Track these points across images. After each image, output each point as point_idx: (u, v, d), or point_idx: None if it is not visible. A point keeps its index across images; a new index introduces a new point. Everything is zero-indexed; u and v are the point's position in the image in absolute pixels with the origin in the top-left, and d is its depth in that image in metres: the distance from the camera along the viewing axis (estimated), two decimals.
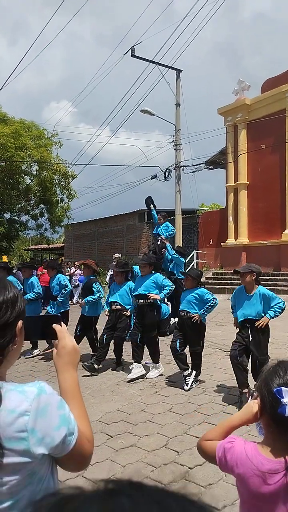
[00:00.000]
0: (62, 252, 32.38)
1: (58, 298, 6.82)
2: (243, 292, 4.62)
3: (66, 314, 6.96)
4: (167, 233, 9.38)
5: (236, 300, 4.73)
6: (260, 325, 4.44)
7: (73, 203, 22.38)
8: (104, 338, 6.04)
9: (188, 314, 5.10)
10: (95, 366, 5.79)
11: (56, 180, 20.79)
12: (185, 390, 4.91)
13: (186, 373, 5.07)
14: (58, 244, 32.96)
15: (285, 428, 1.07)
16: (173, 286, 5.67)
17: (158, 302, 5.67)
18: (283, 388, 1.09)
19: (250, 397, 4.38)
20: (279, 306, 4.47)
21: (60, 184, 21.03)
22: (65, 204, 21.79)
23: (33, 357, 6.92)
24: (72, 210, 22.57)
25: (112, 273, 15.15)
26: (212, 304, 5.01)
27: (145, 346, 5.75)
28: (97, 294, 6.44)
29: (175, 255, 8.77)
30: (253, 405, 1.20)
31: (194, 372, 5.11)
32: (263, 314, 4.48)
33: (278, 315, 4.52)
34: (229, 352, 4.83)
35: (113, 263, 15.22)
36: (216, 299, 5.07)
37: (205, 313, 5.06)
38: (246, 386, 4.47)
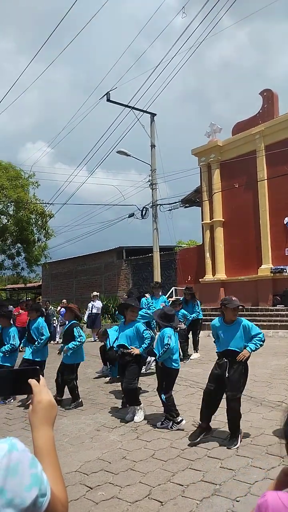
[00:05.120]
0: (39, 291, 31.82)
1: (33, 346, 6.56)
2: (222, 324, 4.55)
3: (41, 364, 6.62)
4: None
5: (217, 332, 4.62)
6: (241, 358, 4.36)
7: (50, 242, 22.40)
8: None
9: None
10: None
11: (33, 220, 20.82)
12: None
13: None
14: (36, 283, 32.41)
15: None
16: (153, 338, 5.60)
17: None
18: None
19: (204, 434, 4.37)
20: (259, 338, 4.40)
21: (37, 223, 21.06)
22: (42, 243, 21.75)
23: (6, 403, 6.60)
24: (49, 248, 22.53)
25: (90, 312, 14.98)
26: (165, 350, 4.91)
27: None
28: (78, 339, 6.24)
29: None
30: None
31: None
32: (243, 346, 4.39)
33: (259, 348, 4.43)
34: None
35: (92, 301, 15.07)
36: (169, 344, 4.91)
37: (161, 356, 4.97)
38: (207, 422, 4.43)
